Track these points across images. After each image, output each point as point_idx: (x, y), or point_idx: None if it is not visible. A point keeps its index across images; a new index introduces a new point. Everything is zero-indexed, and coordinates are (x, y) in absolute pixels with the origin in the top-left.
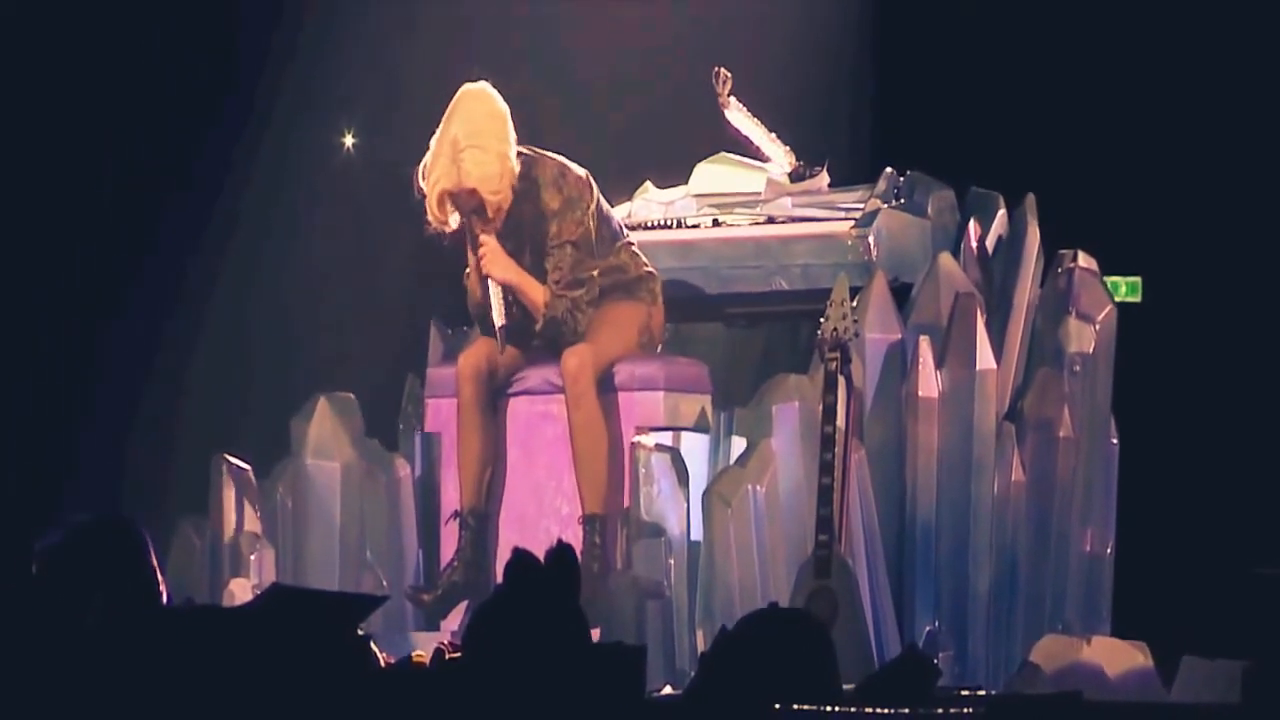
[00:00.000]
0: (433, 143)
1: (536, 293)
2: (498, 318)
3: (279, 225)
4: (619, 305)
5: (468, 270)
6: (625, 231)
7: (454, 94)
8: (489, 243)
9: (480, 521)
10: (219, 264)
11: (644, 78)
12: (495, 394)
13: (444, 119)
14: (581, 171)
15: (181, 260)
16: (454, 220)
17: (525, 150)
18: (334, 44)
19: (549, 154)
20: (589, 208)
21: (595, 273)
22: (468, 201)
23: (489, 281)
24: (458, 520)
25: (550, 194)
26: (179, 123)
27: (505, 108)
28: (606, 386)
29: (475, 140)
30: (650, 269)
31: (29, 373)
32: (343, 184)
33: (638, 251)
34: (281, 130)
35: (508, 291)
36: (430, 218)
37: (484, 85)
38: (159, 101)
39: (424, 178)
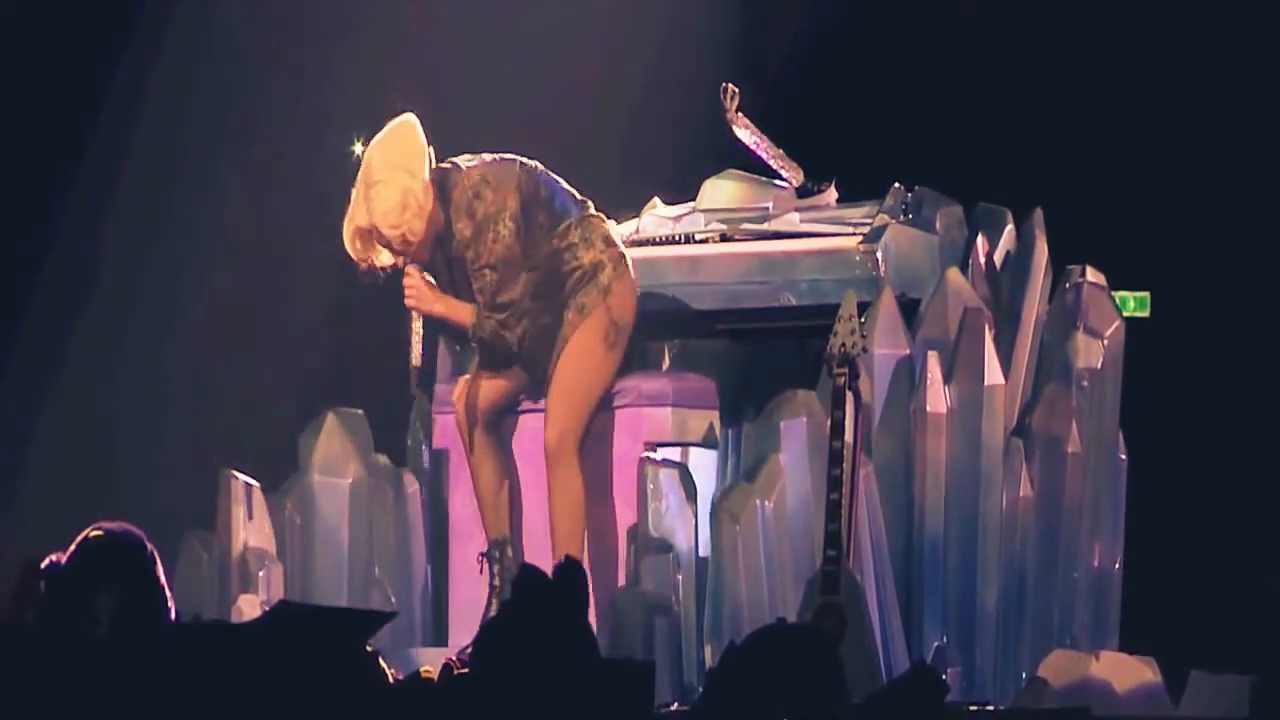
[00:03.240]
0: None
1: (463, 315)
2: (414, 358)
3: (286, 234)
4: (574, 332)
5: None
6: (577, 203)
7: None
8: (411, 275)
9: (502, 550)
10: (224, 275)
11: (654, 92)
12: (498, 419)
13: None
14: (501, 173)
15: (189, 271)
16: (385, 256)
17: (449, 164)
18: (326, 51)
19: (472, 165)
20: (507, 219)
21: (520, 287)
22: (380, 237)
23: (411, 317)
24: (484, 559)
25: (463, 223)
26: (170, 124)
27: (418, 134)
28: (606, 406)
29: (381, 174)
30: (608, 241)
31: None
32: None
33: (597, 220)
34: (285, 136)
35: (432, 322)
36: (353, 256)
37: (405, 116)
38: (144, 103)
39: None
